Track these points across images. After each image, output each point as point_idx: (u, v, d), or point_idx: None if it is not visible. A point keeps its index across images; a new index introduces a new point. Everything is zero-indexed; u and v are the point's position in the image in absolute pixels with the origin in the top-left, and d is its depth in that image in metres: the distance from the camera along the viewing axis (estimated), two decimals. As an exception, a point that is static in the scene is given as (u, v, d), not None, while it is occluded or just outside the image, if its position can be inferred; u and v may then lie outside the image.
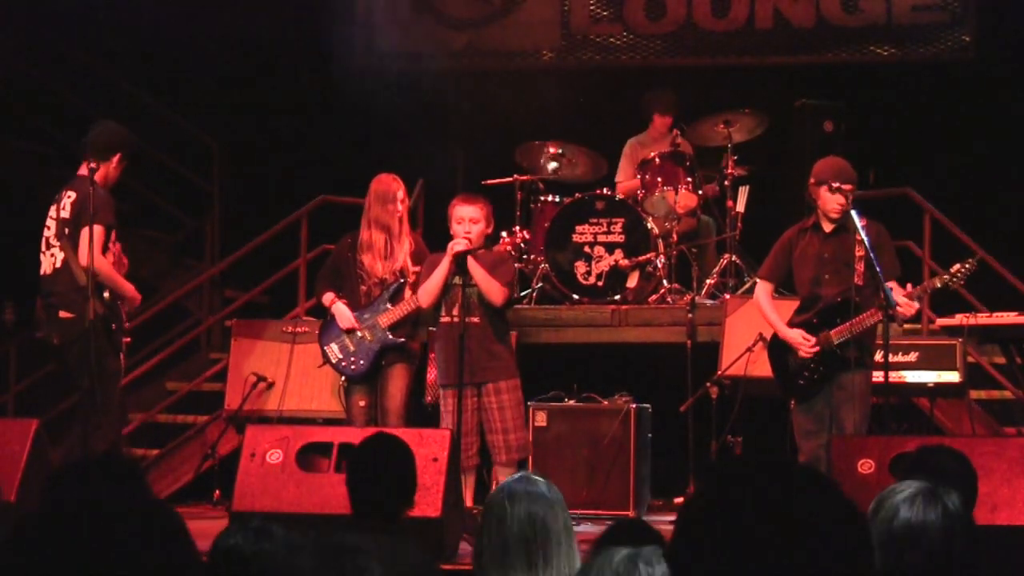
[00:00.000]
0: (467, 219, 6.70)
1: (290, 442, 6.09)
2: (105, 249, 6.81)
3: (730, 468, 1.79)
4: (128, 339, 7.02)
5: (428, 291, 6.76)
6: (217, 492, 8.12)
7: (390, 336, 7.04)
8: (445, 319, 6.80)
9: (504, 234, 8.47)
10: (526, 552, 3.06)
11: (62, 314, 6.74)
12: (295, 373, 8.20)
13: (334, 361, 7.17)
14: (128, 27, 10.61)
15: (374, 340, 7.05)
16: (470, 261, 6.62)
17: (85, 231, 6.67)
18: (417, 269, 7.03)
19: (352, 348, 7.10)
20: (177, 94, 10.70)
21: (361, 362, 7.08)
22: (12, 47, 10.39)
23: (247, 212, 10.46)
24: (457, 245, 6.60)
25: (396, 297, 7.07)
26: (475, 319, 6.61)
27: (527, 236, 8.17)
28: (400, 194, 7.15)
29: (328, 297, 7.19)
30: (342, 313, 7.11)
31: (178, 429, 9.00)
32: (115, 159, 6.95)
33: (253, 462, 6.08)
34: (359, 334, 7.08)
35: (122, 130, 7.20)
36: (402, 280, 7.07)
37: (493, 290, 6.65)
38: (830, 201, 6.52)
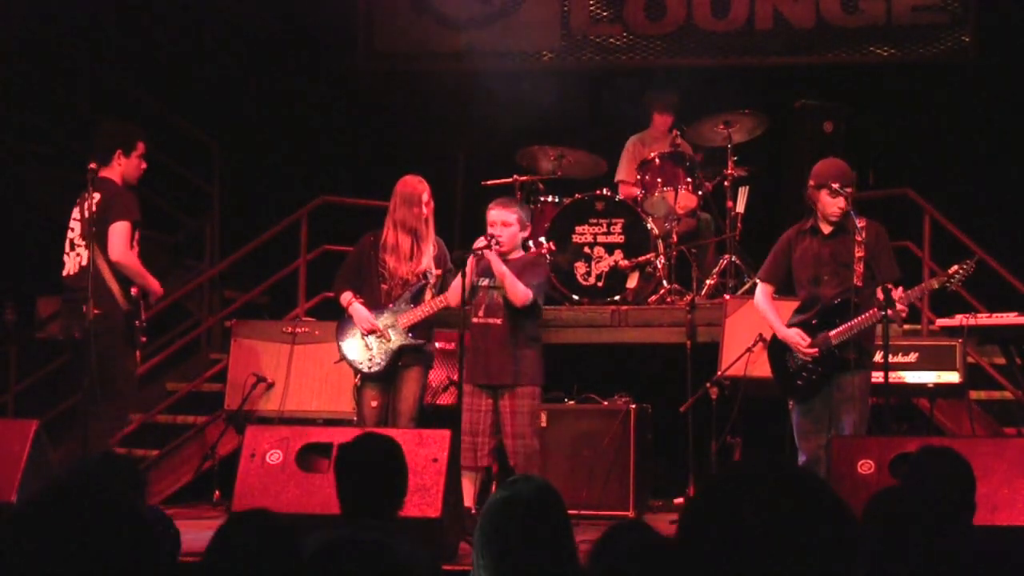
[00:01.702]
0: (498, 223, 6.74)
1: (290, 442, 6.09)
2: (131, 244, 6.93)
3: (731, 471, 1.85)
4: (144, 338, 7.08)
5: (454, 289, 6.78)
6: (217, 492, 8.12)
7: (410, 337, 7.03)
8: (475, 319, 6.82)
9: (531, 243, 8.49)
10: (525, 554, 3.06)
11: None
12: (295, 373, 8.19)
13: (351, 358, 7.15)
14: (128, 27, 10.61)
15: (393, 340, 7.04)
16: (494, 261, 6.62)
17: (113, 227, 6.81)
18: (439, 272, 7.05)
19: (370, 347, 7.09)
20: (177, 94, 10.70)
21: (379, 361, 7.06)
22: (12, 47, 10.39)
23: (247, 212, 10.46)
24: (478, 243, 6.63)
25: (418, 298, 7.05)
26: (496, 320, 6.63)
27: (553, 248, 8.18)
28: (425, 196, 7.14)
29: (346, 297, 7.16)
30: (360, 314, 7.08)
31: (178, 429, 9.00)
32: (116, 156, 6.99)
33: (253, 462, 6.08)
34: (378, 333, 7.06)
35: (117, 126, 7.23)
36: (424, 282, 7.05)
37: (516, 291, 6.63)
38: (830, 204, 6.52)
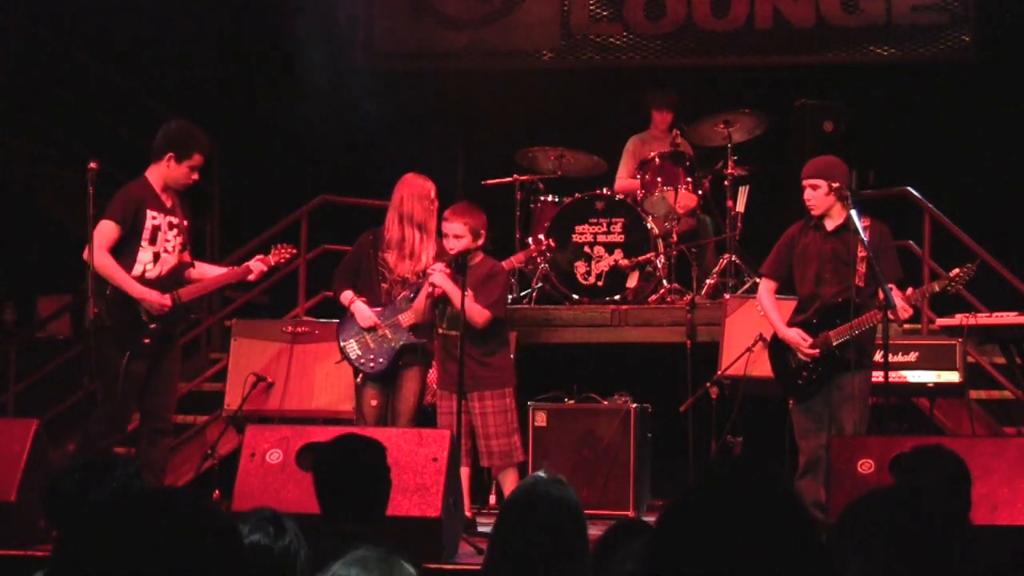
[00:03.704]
0: (450, 235, 6.78)
1: (290, 442, 6.09)
2: (137, 245, 6.81)
3: (708, 477, 1.89)
4: (148, 340, 6.89)
5: (416, 311, 6.87)
6: (217, 492, 8.10)
7: (411, 336, 7.02)
8: (440, 330, 6.92)
9: (530, 241, 8.47)
10: (545, 554, 3.05)
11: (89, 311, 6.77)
12: (295, 373, 8.19)
13: (353, 358, 7.13)
14: (128, 27, 10.61)
15: (395, 339, 7.03)
16: (447, 286, 6.70)
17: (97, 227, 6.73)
18: None
19: (372, 346, 7.07)
20: (177, 94, 10.70)
21: (380, 360, 7.05)
22: (12, 47, 10.39)
23: (247, 212, 10.45)
24: (434, 278, 6.72)
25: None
26: (455, 333, 6.68)
27: (552, 244, 8.15)
28: (433, 193, 7.14)
29: (347, 295, 7.14)
30: (362, 311, 7.06)
31: (178, 429, 8.98)
32: (167, 158, 6.90)
33: (253, 462, 6.08)
34: (379, 332, 7.06)
35: (183, 130, 7.07)
36: (424, 281, 7.05)
37: (474, 314, 6.68)
38: (806, 198, 6.61)
